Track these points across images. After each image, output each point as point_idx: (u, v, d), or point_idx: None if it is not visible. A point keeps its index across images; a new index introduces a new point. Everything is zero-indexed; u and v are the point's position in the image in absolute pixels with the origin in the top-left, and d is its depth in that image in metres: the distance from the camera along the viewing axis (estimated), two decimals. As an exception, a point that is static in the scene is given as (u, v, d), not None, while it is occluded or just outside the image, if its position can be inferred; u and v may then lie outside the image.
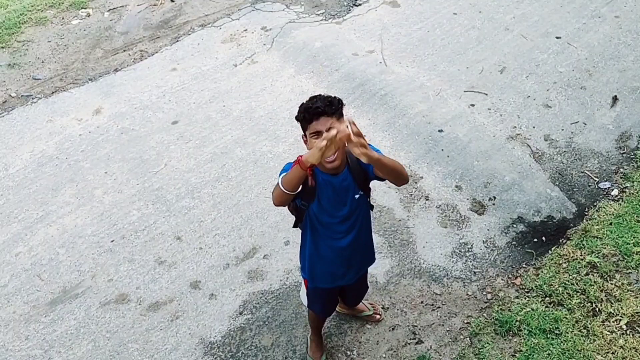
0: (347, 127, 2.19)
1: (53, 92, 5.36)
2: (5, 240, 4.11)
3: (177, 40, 5.89)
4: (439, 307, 3.60)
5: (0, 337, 3.57)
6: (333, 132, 2.16)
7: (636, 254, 3.70)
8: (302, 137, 2.52)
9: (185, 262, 3.91)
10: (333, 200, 2.60)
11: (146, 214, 4.23)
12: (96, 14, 6.35)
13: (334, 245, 2.74)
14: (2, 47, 5.89)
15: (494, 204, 4.18)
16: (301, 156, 2.29)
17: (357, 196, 2.64)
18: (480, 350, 3.35)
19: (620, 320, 3.38)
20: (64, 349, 3.50)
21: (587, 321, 3.41)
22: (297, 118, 2.48)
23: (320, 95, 2.45)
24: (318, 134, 2.37)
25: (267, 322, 3.56)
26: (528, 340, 3.35)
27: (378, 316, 3.54)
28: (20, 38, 6.02)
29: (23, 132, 4.95)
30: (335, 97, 2.43)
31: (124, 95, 5.27)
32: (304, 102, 2.46)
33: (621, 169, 4.39)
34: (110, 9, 6.40)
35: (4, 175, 4.57)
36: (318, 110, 2.37)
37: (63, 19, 6.28)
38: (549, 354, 3.28)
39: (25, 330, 3.60)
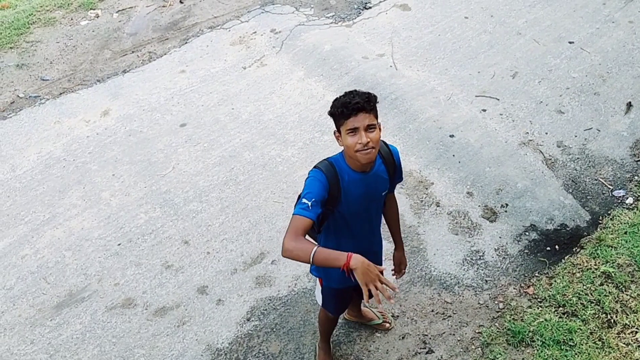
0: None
1: (61, 93, 5.33)
2: (11, 242, 4.08)
3: (186, 42, 5.86)
4: (449, 316, 3.54)
5: (6, 341, 3.54)
6: (383, 290, 2.12)
7: (652, 264, 3.64)
8: (335, 133, 2.45)
9: (193, 267, 3.87)
10: (362, 198, 2.54)
11: (153, 217, 4.19)
12: (105, 15, 6.33)
13: (356, 244, 2.66)
14: (11, 48, 5.87)
15: (506, 211, 4.11)
16: (351, 258, 2.13)
17: (384, 193, 2.63)
18: (492, 361, 3.29)
19: (637, 332, 3.31)
20: (70, 353, 3.46)
21: (601, 333, 3.33)
22: (332, 113, 2.41)
23: (356, 90, 2.38)
24: (355, 130, 2.31)
25: (274, 329, 3.51)
26: (541, 351, 3.28)
27: (388, 324, 3.48)
28: (29, 38, 6.00)
29: (31, 133, 4.92)
30: (370, 92, 2.37)
31: (132, 97, 5.24)
32: (338, 97, 2.39)
33: (636, 177, 4.31)
34: (119, 10, 6.38)
35: (11, 177, 4.54)
36: (357, 106, 2.30)
37: (72, 19, 6.26)
38: (562, 366, 3.21)
39: (31, 334, 3.57)
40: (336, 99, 2.39)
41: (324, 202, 2.43)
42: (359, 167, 2.45)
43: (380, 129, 2.38)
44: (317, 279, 2.91)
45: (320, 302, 2.99)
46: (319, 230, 2.69)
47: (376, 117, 2.36)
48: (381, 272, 2.21)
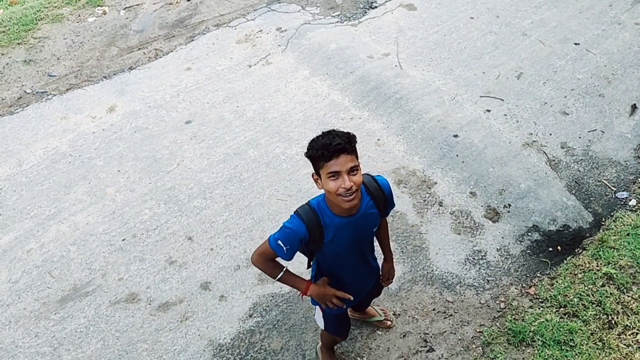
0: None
1: (68, 89, 5.37)
2: (17, 236, 4.12)
3: (192, 40, 5.89)
4: (451, 315, 3.55)
5: (11, 334, 3.58)
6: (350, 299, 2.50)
7: (654, 266, 3.64)
8: (313, 176, 2.30)
9: (196, 263, 3.90)
10: (350, 240, 2.46)
11: (158, 213, 4.22)
12: (112, 12, 6.37)
13: (353, 275, 2.67)
14: (19, 44, 5.92)
15: (508, 212, 4.12)
16: (309, 287, 2.54)
17: (375, 229, 2.55)
18: (493, 360, 3.30)
19: (637, 333, 3.31)
20: (73, 347, 3.50)
21: (602, 334, 3.34)
22: (310, 155, 2.25)
23: (333, 130, 2.24)
24: (337, 174, 2.17)
25: (276, 326, 3.54)
26: (542, 351, 3.29)
27: (389, 322, 3.50)
28: (37, 35, 6.04)
29: (37, 129, 4.96)
30: (349, 132, 2.23)
31: (138, 93, 5.27)
32: (316, 137, 2.23)
33: (639, 179, 4.31)
34: (126, 7, 6.41)
35: (17, 172, 4.58)
36: (339, 147, 2.15)
37: (79, 16, 6.30)
38: (563, 366, 3.22)
39: (35, 327, 3.60)
40: (314, 140, 2.24)
41: (302, 248, 2.44)
42: (343, 211, 2.32)
43: (360, 169, 2.24)
44: (317, 308, 2.86)
45: (322, 326, 2.93)
46: (308, 265, 2.67)
47: (357, 157, 2.23)
48: (350, 298, 2.58)
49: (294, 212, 2.39)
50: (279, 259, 2.48)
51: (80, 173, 4.55)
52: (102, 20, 6.23)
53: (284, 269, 2.50)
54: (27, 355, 3.47)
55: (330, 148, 2.16)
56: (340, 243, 2.43)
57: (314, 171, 2.30)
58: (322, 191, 2.34)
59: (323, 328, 2.96)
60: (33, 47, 5.89)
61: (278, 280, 2.49)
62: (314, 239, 2.36)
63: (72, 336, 3.55)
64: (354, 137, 2.24)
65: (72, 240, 4.07)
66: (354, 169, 2.20)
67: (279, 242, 2.36)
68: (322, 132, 2.25)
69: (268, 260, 2.47)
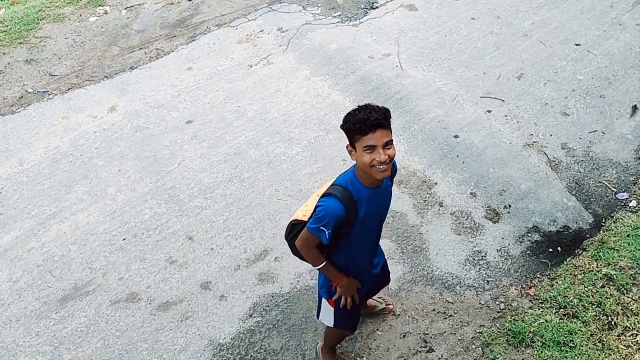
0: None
1: (69, 89, 5.38)
2: (18, 235, 4.13)
3: (193, 40, 5.90)
4: (451, 316, 3.55)
5: (11, 333, 3.59)
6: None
7: (654, 267, 3.64)
8: (347, 147, 2.37)
9: (196, 263, 3.90)
10: (377, 213, 2.53)
11: (158, 212, 4.23)
12: (113, 11, 6.37)
13: (367, 255, 2.71)
14: (20, 43, 5.92)
15: (509, 212, 4.12)
16: (344, 279, 2.65)
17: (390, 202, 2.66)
18: (492, 361, 3.31)
19: (637, 334, 3.32)
20: (74, 346, 3.51)
21: (602, 335, 3.34)
22: (347, 128, 2.32)
23: (370, 105, 2.30)
24: (373, 147, 2.25)
25: (276, 326, 3.54)
26: (541, 352, 3.29)
27: (391, 306, 3.54)
28: (38, 34, 6.05)
29: (38, 128, 4.97)
30: (386, 108, 2.31)
31: (139, 93, 5.28)
32: (353, 111, 2.30)
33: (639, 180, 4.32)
34: (127, 7, 6.42)
35: (18, 171, 4.59)
36: (375, 123, 2.23)
37: (80, 16, 6.31)
38: (562, 367, 3.22)
39: (36, 326, 3.61)
40: (350, 114, 2.31)
41: (337, 231, 2.47)
42: (373, 182, 2.41)
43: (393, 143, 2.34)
44: (326, 302, 2.86)
45: (331, 323, 2.93)
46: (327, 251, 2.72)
47: (391, 132, 2.31)
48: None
49: (326, 196, 2.43)
50: None
51: (81, 172, 4.56)
52: (104, 20, 6.24)
53: (326, 261, 2.60)
54: (27, 354, 3.48)
55: (368, 123, 2.23)
56: (371, 217, 2.50)
57: (348, 143, 2.38)
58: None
59: (332, 325, 2.95)
60: (34, 46, 5.90)
61: (319, 269, 2.61)
62: (350, 217, 2.42)
63: (72, 335, 3.56)
64: (389, 112, 2.31)
65: (73, 240, 4.08)
66: (389, 143, 2.29)
67: (321, 227, 2.41)
68: (358, 106, 2.32)
69: (311, 248, 2.55)
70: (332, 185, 2.48)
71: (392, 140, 2.30)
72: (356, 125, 2.26)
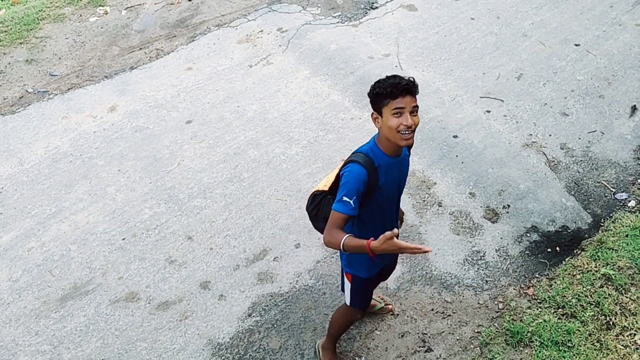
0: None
1: (69, 89, 5.39)
2: (18, 235, 4.14)
3: (193, 40, 5.91)
4: (449, 315, 3.56)
5: (11, 332, 3.60)
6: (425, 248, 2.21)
7: (652, 267, 3.64)
8: (372, 115, 2.44)
9: (196, 262, 3.91)
10: (396, 182, 2.58)
11: (158, 212, 4.24)
12: (113, 11, 6.38)
13: (385, 226, 2.65)
14: (21, 43, 5.94)
15: (507, 212, 4.13)
16: (370, 244, 2.25)
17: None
18: (491, 361, 3.31)
19: (635, 334, 3.32)
20: (73, 345, 3.52)
21: (600, 334, 3.35)
22: (376, 93, 2.38)
23: (397, 74, 2.39)
24: (401, 111, 2.32)
25: (275, 325, 3.55)
26: (539, 352, 3.30)
27: (390, 306, 3.54)
28: (38, 34, 6.06)
29: (38, 128, 4.98)
30: (413, 78, 2.40)
31: (139, 93, 5.29)
32: (383, 79, 2.39)
33: (639, 180, 4.32)
34: (127, 7, 6.43)
35: (18, 171, 4.60)
36: (406, 87, 2.32)
37: (81, 16, 6.32)
38: (560, 367, 3.23)
39: (36, 326, 3.62)
40: (380, 81, 2.39)
41: (362, 197, 2.47)
42: (394, 150, 2.46)
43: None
44: (347, 278, 2.88)
45: (348, 301, 2.96)
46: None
47: (417, 101, 2.39)
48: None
49: (351, 161, 2.45)
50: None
51: (81, 172, 4.57)
52: (104, 20, 6.25)
53: (348, 234, 2.43)
54: (27, 354, 3.49)
55: (400, 87, 2.32)
56: (390, 184, 2.53)
57: (373, 110, 2.43)
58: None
59: (349, 303, 2.96)
60: (35, 46, 5.91)
61: (343, 247, 2.37)
62: (371, 182, 2.45)
63: (72, 334, 3.57)
64: (417, 84, 2.40)
65: (73, 239, 4.09)
66: (415, 110, 2.36)
67: (345, 198, 2.40)
68: (387, 76, 2.40)
69: (334, 229, 2.43)
70: (353, 153, 2.53)
71: (418, 107, 2.37)
72: (387, 89, 2.33)
